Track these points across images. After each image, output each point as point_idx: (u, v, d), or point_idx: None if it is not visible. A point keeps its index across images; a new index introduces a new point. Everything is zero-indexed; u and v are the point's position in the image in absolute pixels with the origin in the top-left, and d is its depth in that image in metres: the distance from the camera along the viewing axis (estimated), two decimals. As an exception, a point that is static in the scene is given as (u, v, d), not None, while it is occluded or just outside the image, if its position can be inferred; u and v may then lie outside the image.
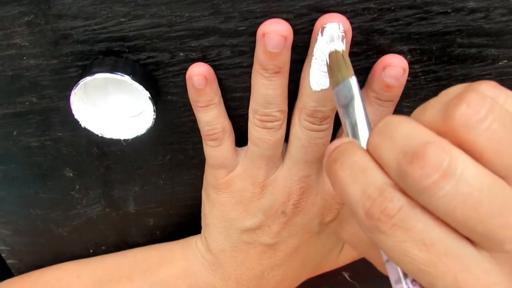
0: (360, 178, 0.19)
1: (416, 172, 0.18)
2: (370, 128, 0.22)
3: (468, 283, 0.18)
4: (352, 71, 0.24)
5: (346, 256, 0.38)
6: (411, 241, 0.18)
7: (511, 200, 0.18)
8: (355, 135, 0.22)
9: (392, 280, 0.21)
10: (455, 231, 0.19)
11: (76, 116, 0.30)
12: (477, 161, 0.18)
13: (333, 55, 0.25)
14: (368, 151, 0.20)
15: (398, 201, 0.18)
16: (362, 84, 0.31)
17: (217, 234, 0.35)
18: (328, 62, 0.26)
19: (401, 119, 0.20)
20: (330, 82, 0.25)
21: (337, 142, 0.22)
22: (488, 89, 0.19)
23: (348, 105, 0.23)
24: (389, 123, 0.20)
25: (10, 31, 0.28)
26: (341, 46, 0.26)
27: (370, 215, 0.19)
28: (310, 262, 0.36)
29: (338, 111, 0.24)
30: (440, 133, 0.19)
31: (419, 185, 0.18)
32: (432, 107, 0.20)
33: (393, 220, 0.18)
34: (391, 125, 0.19)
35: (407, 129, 0.19)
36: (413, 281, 0.20)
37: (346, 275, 0.44)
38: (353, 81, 0.23)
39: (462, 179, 0.17)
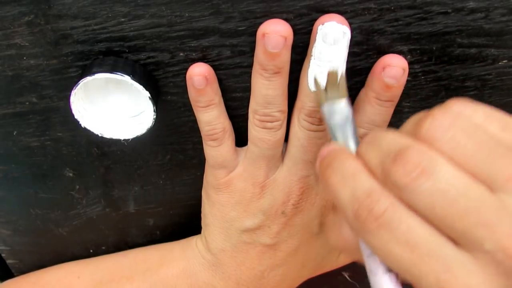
0: (350, 182, 0.21)
1: (398, 170, 0.19)
2: (358, 141, 0.25)
3: (450, 284, 0.19)
4: (347, 93, 0.26)
5: (346, 256, 0.38)
6: (396, 241, 0.19)
7: (487, 200, 0.19)
8: (345, 145, 0.25)
9: (373, 273, 0.22)
10: (438, 231, 0.19)
11: (76, 116, 0.30)
12: None
13: (333, 75, 0.27)
14: (357, 158, 0.22)
15: (383, 202, 0.20)
16: (362, 84, 0.31)
17: (217, 234, 0.35)
18: (327, 79, 0.27)
19: (386, 131, 0.22)
20: (323, 98, 0.26)
21: (328, 147, 0.24)
22: (457, 105, 0.20)
23: (343, 123, 0.25)
24: (376, 134, 0.22)
25: (10, 31, 0.28)
26: (342, 67, 0.28)
27: (357, 216, 0.20)
28: (310, 262, 0.36)
29: (327, 124, 0.25)
30: None
31: (400, 182, 0.19)
32: (407, 124, 0.22)
33: (379, 221, 0.20)
34: (378, 135, 0.22)
35: (391, 137, 0.21)
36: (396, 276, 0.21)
37: (346, 275, 0.44)
38: (349, 102, 0.26)
39: (439, 177, 0.19)
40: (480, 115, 0.20)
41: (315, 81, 0.27)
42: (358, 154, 0.22)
